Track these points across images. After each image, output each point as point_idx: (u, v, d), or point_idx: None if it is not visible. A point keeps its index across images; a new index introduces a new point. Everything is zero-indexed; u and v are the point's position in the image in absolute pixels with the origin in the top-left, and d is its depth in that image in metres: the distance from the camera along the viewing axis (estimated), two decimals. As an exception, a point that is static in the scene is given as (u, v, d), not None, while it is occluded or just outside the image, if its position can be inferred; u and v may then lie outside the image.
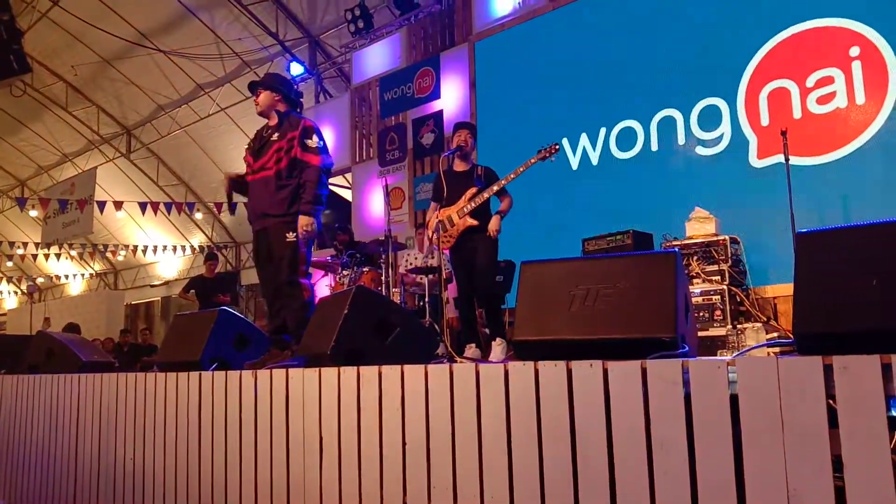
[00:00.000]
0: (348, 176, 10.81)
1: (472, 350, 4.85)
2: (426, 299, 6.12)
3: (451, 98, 8.87)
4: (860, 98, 5.60)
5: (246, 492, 3.14)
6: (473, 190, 4.85)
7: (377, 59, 10.08)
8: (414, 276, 6.61)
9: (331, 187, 11.31)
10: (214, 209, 16.46)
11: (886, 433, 1.55)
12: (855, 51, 5.65)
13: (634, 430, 1.91)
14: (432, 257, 6.91)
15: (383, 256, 6.24)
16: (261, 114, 4.37)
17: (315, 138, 4.15)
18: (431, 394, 2.44)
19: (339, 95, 11.34)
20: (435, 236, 4.82)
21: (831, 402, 1.63)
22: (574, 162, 7.37)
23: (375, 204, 9.66)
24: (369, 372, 2.67)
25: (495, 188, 4.78)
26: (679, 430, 1.84)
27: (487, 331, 5.21)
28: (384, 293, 6.03)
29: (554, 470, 2.06)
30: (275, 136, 4.21)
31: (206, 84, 14.25)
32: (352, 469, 2.68)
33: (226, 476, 3.26)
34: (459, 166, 5.06)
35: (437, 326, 5.71)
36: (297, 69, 11.68)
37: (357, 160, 10.18)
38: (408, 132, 9.33)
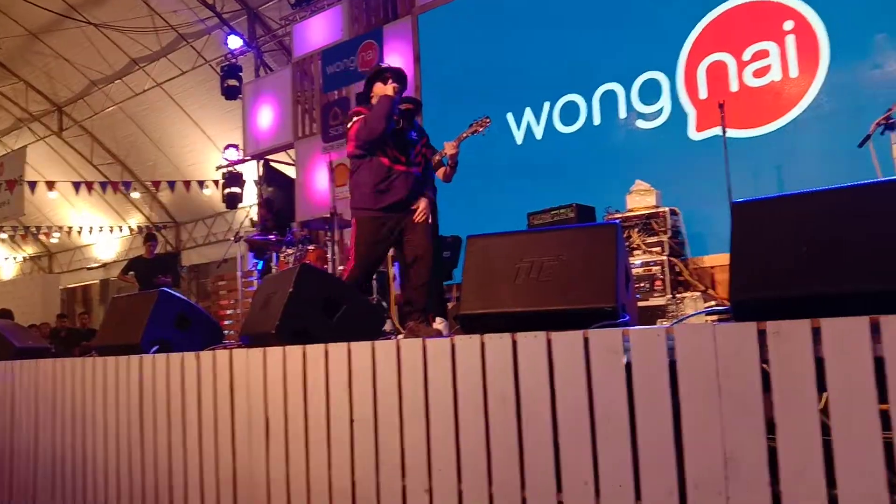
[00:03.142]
0: (291, 152, 10.62)
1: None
2: (373, 277, 6.08)
3: (394, 72, 8.76)
4: (794, 71, 5.76)
5: (191, 476, 3.09)
6: None
7: (319, 31, 9.87)
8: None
9: (273, 164, 11.17)
10: (153, 188, 15.99)
11: (815, 395, 1.62)
12: (789, 25, 5.80)
13: (577, 398, 1.95)
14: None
15: (329, 234, 6.16)
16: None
17: None
18: (379, 371, 2.43)
19: (279, 69, 11.09)
20: None
21: (765, 366, 1.69)
22: (518, 136, 7.40)
23: (320, 181, 9.52)
24: (315, 351, 2.64)
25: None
26: (620, 397, 1.88)
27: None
28: (330, 271, 5.97)
29: (500, 441, 2.09)
30: (415, 135, 4.25)
31: (140, 59, 13.74)
32: (299, 449, 2.66)
33: (170, 460, 3.20)
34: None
35: (384, 303, 5.70)
36: (235, 42, 11.36)
37: (300, 136, 10.00)
38: (352, 107, 9.19)
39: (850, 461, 1.55)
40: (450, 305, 5.92)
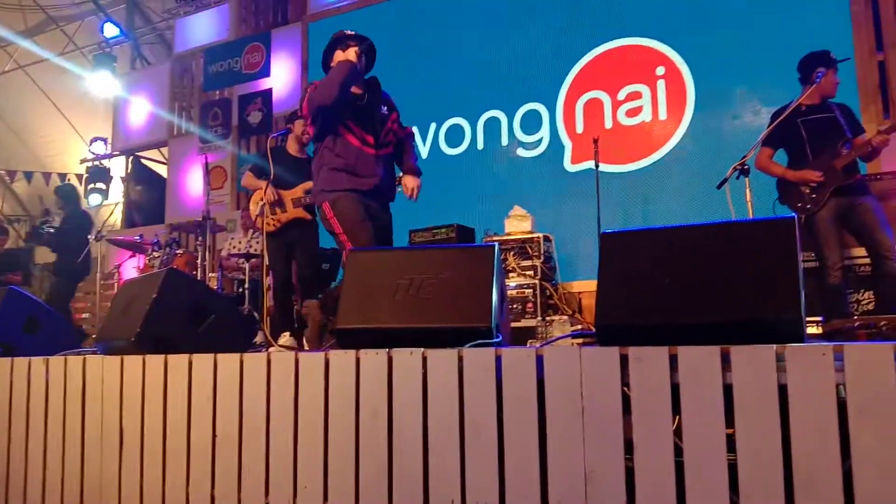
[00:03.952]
0: (164, 150, 10.12)
1: (286, 338, 4.75)
2: (246, 285, 5.88)
3: (281, 77, 8.59)
4: (663, 114, 6.18)
5: (32, 490, 2.83)
6: (311, 184, 4.75)
7: (203, 28, 9.51)
8: (236, 260, 6.34)
9: (144, 162, 10.60)
10: (7, 177, 14.67)
11: (670, 417, 1.72)
12: (661, 70, 6.23)
13: (449, 415, 1.97)
14: (246, 236, 6.66)
15: (200, 239, 5.91)
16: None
17: None
18: (246, 384, 2.35)
19: (158, 63, 10.57)
20: (254, 209, 4.68)
21: (626, 389, 1.78)
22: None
23: (194, 182, 9.12)
24: (178, 361, 2.51)
25: None
26: (490, 414, 1.92)
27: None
28: (200, 277, 5.72)
29: (370, 459, 2.07)
30: (385, 110, 3.69)
31: (1, 37, 12.65)
32: (155, 464, 2.51)
33: (7, 472, 2.93)
34: (294, 150, 4.98)
35: (256, 314, 5.52)
36: (111, 31, 10.70)
37: (175, 134, 9.55)
38: (233, 108, 8.91)
39: (698, 481, 1.66)
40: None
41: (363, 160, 3.47)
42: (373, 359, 2.11)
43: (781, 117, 4.16)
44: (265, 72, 8.68)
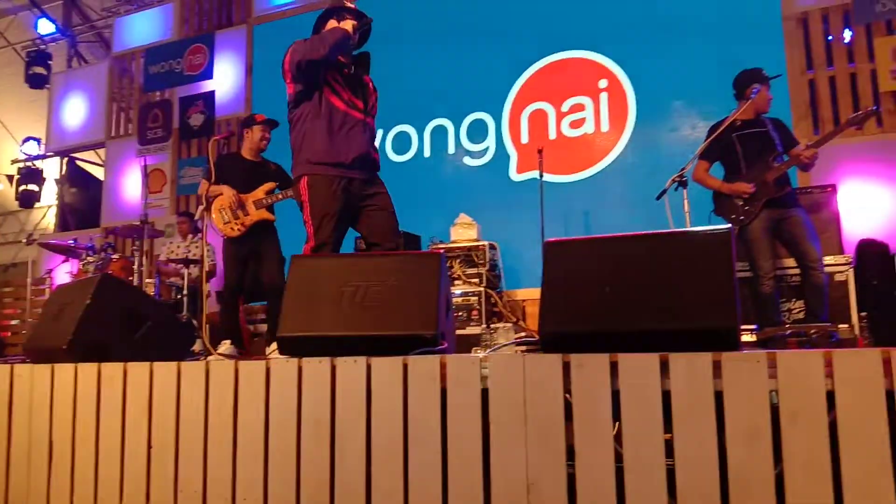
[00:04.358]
0: (101, 152, 9.80)
1: (226, 346, 4.66)
2: (184, 292, 5.74)
3: (224, 80, 8.44)
4: (605, 126, 6.31)
5: (-51, 508, 2.69)
6: (272, 185, 4.76)
7: (144, 28, 9.27)
8: (174, 266, 6.18)
9: (80, 164, 10.24)
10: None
11: (611, 424, 1.75)
12: (603, 83, 6.36)
13: (393, 424, 1.96)
14: (185, 241, 6.51)
15: (137, 244, 5.74)
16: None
17: None
18: (183, 394, 2.28)
19: (95, 62, 10.24)
20: (217, 216, 4.63)
21: (568, 395, 1.80)
22: (349, 159, 7.39)
23: (131, 185, 8.86)
24: (112, 369, 2.43)
25: (290, 196, 4.70)
26: (434, 423, 1.91)
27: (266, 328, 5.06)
28: (136, 283, 5.55)
29: (311, 468, 2.04)
30: (372, 86, 3.50)
31: (-76, 29, 12.07)
32: (87, 478, 2.41)
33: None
34: (250, 155, 4.93)
35: (195, 321, 5.39)
36: (46, 27, 10.33)
37: (113, 135, 9.27)
38: (174, 110, 8.70)
39: (637, 486, 1.69)
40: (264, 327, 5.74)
41: (350, 124, 3.25)
42: (315, 367, 2.08)
43: (717, 132, 4.30)
44: (208, 74, 8.51)
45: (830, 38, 5.72)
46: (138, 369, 2.38)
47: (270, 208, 4.76)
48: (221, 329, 4.81)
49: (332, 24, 3.35)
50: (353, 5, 3.41)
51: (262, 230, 4.74)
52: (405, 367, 1.97)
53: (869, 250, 4.69)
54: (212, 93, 8.44)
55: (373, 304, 2.22)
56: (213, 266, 6.20)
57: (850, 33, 5.65)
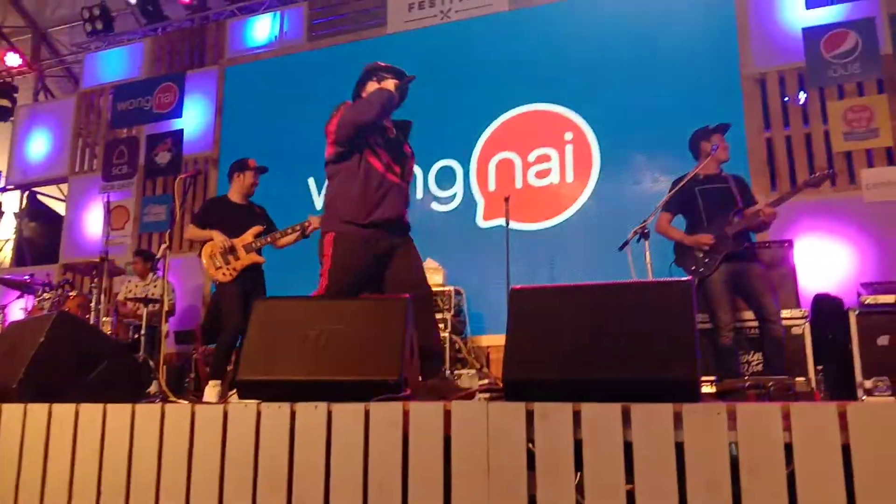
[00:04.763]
0: (63, 187, 9.64)
1: (216, 388, 4.60)
2: (142, 332, 5.61)
3: (193, 119, 8.42)
4: (570, 177, 6.44)
5: None
6: (260, 228, 4.84)
7: (115, 65, 9.24)
8: (134, 305, 6.05)
9: (42, 199, 10.04)
10: None
11: (573, 474, 1.74)
12: (569, 135, 6.51)
13: (353, 471, 1.92)
14: (144, 280, 6.40)
15: (95, 281, 5.62)
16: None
17: None
18: (137, 437, 2.22)
19: (63, 97, 10.15)
20: (208, 262, 4.70)
21: (531, 445, 1.80)
22: (318, 202, 7.39)
23: (93, 222, 8.70)
24: (64, 410, 2.35)
25: (279, 238, 4.80)
26: (395, 471, 1.88)
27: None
28: (93, 322, 5.42)
29: (267, 517, 1.98)
30: (409, 152, 3.51)
31: None
32: (29, 523, 2.31)
33: None
34: (238, 199, 4.99)
35: (151, 362, 5.26)
36: (13, 60, 10.23)
37: (77, 170, 9.13)
38: (141, 147, 8.63)
39: (597, 538, 1.68)
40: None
41: (386, 186, 3.23)
42: (275, 412, 2.04)
43: (680, 185, 4.41)
44: (177, 112, 8.49)
45: (786, 98, 5.96)
46: (90, 411, 2.31)
47: (259, 251, 4.82)
48: (216, 370, 4.73)
49: (371, 86, 3.37)
50: (386, 64, 3.45)
51: (252, 272, 4.79)
52: (367, 413, 1.95)
53: (824, 305, 4.81)
54: (180, 131, 8.41)
55: (336, 348, 2.20)
56: (172, 305, 6.08)
57: (805, 95, 5.90)
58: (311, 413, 2.00)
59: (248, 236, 4.79)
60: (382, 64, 3.46)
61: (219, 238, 4.71)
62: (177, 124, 8.47)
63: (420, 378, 3.07)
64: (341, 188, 3.26)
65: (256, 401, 2.12)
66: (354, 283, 3.19)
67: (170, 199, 8.02)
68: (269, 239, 4.80)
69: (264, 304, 2.38)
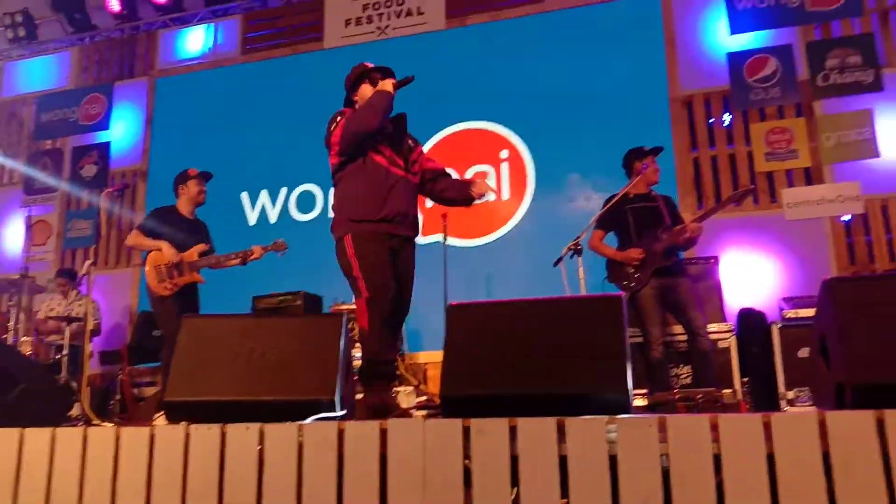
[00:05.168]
0: (-20, 201, 9.18)
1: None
2: (64, 352, 5.37)
3: (121, 131, 8.16)
4: (506, 194, 6.52)
5: None
6: (204, 247, 4.71)
7: (39, 74, 8.88)
8: (55, 324, 5.79)
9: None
10: None
11: (509, 490, 1.74)
12: (504, 153, 6.61)
13: (285, 494, 1.87)
14: (66, 298, 6.14)
15: (13, 299, 5.36)
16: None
17: None
18: (57, 462, 2.11)
19: (-20, 107, 9.69)
20: (152, 272, 4.55)
21: (467, 461, 1.79)
22: (252, 217, 7.25)
23: (12, 237, 8.30)
24: (-24, 436, 2.22)
25: (223, 262, 4.71)
26: (330, 492, 1.85)
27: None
28: (11, 342, 5.16)
29: (196, 543, 1.91)
30: (411, 143, 3.52)
31: None
32: (-66, 558, 2.16)
33: None
34: (186, 212, 4.85)
35: (74, 384, 5.03)
36: (-76, 66, 9.72)
37: (-5, 184, 8.71)
38: (65, 160, 8.30)
39: (533, 553, 1.68)
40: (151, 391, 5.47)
41: (391, 180, 3.27)
42: (204, 434, 1.97)
43: (611, 203, 4.52)
44: (104, 124, 8.20)
45: (712, 120, 6.20)
46: (7, 435, 2.19)
47: (203, 271, 4.69)
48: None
49: (366, 88, 3.37)
50: (373, 65, 3.44)
51: (190, 290, 4.66)
52: (300, 433, 1.91)
53: (749, 319, 5.00)
54: (107, 143, 8.13)
55: (269, 367, 2.15)
56: (97, 325, 5.85)
57: (730, 117, 6.15)
58: (242, 434, 1.94)
59: (194, 254, 4.64)
60: (370, 65, 3.44)
61: (168, 251, 4.54)
62: (104, 136, 8.19)
63: (365, 393, 3.26)
64: (348, 189, 3.31)
65: (185, 422, 2.04)
66: (392, 280, 3.24)
67: (95, 213, 7.73)
68: (213, 261, 4.69)
69: (192, 321, 2.31)
